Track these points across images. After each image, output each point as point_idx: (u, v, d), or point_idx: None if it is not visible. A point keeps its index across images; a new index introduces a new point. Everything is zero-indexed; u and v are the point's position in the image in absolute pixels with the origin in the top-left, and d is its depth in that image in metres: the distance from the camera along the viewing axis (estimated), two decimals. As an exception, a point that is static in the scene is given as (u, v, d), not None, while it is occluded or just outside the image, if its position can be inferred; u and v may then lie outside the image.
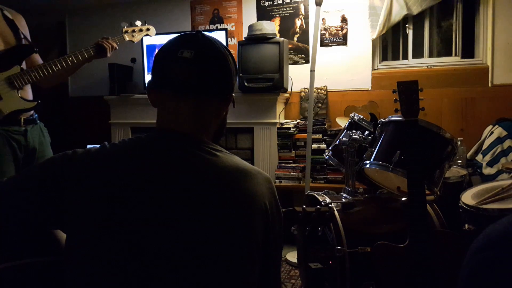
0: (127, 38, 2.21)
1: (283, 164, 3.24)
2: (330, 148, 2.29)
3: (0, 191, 0.86)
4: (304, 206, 1.21)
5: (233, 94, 0.97)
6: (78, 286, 0.80)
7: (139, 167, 0.83)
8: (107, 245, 0.78)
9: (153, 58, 0.95)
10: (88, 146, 0.93)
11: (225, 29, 3.56)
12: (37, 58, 1.97)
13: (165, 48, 0.93)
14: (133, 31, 2.23)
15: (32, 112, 1.90)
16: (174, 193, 0.81)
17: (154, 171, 0.83)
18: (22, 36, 1.88)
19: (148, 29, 2.30)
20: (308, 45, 3.48)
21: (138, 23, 2.26)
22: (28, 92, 1.89)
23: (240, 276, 0.83)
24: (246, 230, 0.84)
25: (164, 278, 0.77)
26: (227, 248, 0.81)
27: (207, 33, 0.98)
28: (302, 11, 3.51)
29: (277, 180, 3.19)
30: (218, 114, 0.95)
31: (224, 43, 3.41)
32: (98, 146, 0.88)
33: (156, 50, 3.82)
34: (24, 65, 1.86)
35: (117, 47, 2.10)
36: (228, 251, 0.81)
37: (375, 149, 1.84)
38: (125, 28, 2.22)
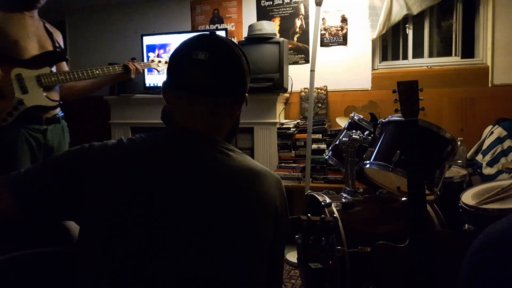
0: (153, 66, 2.42)
1: (283, 164, 3.24)
2: (330, 148, 2.29)
3: (16, 182, 0.86)
4: (309, 214, 1.21)
5: (246, 94, 0.98)
6: (88, 278, 0.80)
7: (154, 165, 0.84)
8: (119, 240, 0.79)
9: (168, 58, 0.96)
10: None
11: (225, 29, 3.56)
12: (65, 67, 2.13)
13: (180, 49, 0.94)
14: (159, 61, 2.45)
15: (56, 111, 2.03)
16: (187, 191, 0.82)
17: (169, 169, 0.84)
18: (57, 45, 2.07)
19: None
20: (308, 45, 3.48)
21: (166, 56, 2.56)
22: (54, 94, 2.00)
23: (250, 277, 0.83)
24: (258, 231, 0.85)
25: (176, 276, 0.77)
26: (238, 248, 0.82)
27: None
28: (302, 11, 3.51)
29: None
30: (232, 114, 0.97)
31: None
32: (114, 141, 0.89)
33: (156, 51, 3.77)
34: (54, 69, 2.01)
35: (142, 71, 2.27)
36: (239, 251, 0.82)
37: (375, 149, 1.84)
38: (152, 58, 2.45)
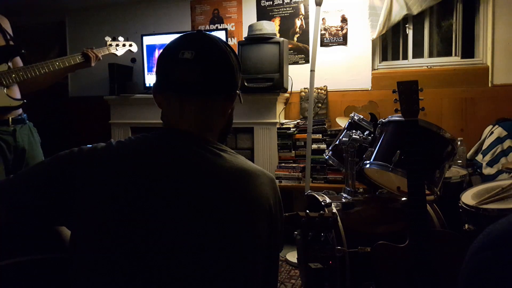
0: (111, 51, 2.32)
1: (283, 164, 3.25)
2: (330, 148, 2.29)
3: (6, 188, 0.86)
4: (307, 211, 1.20)
5: (238, 91, 0.97)
6: (82, 283, 0.80)
7: (144, 166, 0.84)
8: (110, 243, 0.78)
9: (156, 59, 0.95)
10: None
11: (225, 29, 3.56)
12: (19, 61, 1.96)
13: (166, 50, 0.93)
14: (117, 45, 2.36)
15: (20, 112, 1.90)
16: (177, 193, 0.82)
17: (159, 171, 0.83)
18: (9, 38, 1.90)
19: (131, 45, 2.45)
20: (308, 45, 3.48)
21: (121, 39, 2.40)
22: (15, 92, 1.87)
23: (244, 278, 0.83)
24: (251, 232, 0.84)
25: (167, 278, 0.77)
26: (230, 250, 0.81)
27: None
28: (302, 11, 3.51)
29: (277, 180, 3.19)
30: (223, 112, 0.96)
31: (224, 43, 3.44)
32: (103, 143, 0.89)
33: (156, 51, 3.77)
34: (10, 65, 1.87)
35: (101, 58, 2.15)
36: (232, 253, 0.81)
37: (375, 149, 1.84)
38: (109, 42, 2.33)
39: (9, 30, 1.94)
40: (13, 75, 1.81)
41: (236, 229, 0.82)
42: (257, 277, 0.86)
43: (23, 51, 1.93)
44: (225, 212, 0.82)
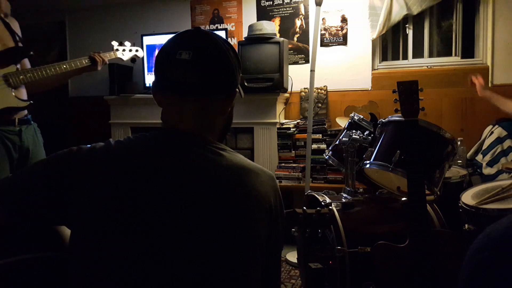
0: (117, 55, 2.36)
1: (283, 164, 3.24)
2: (330, 148, 2.29)
3: (5, 188, 0.86)
4: (304, 207, 1.21)
5: (237, 90, 0.97)
6: (81, 282, 0.80)
7: (143, 166, 0.83)
8: (110, 243, 0.78)
9: (154, 59, 0.94)
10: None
11: (225, 29, 3.56)
12: (27, 63, 1.99)
13: (164, 49, 0.92)
14: (124, 50, 2.39)
15: (26, 112, 1.93)
16: (178, 192, 0.81)
17: (159, 170, 0.83)
18: (18, 39, 1.92)
19: (137, 50, 2.49)
20: (308, 45, 3.48)
21: (127, 43, 2.43)
22: (22, 93, 1.90)
23: (244, 276, 0.83)
24: (251, 230, 0.84)
25: (167, 277, 0.77)
26: (231, 248, 0.81)
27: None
28: (302, 11, 3.51)
29: (277, 180, 3.19)
30: (223, 111, 0.95)
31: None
32: (102, 143, 0.88)
33: (156, 51, 3.80)
34: (19, 66, 1.90)
35: (107, 62, 2.19)
36: (232, 251, 0.81)
37: (375, 149, 1.84)
38: (116, 47, 2.37)
39: (18, 32, 1.97)
40: (21, 77, 1.84)
41: (236, 227, 0.82)
42: (258, 275, 0.86)
43: (31, 52, 1.96)
44: (226, 211, 0.82)
